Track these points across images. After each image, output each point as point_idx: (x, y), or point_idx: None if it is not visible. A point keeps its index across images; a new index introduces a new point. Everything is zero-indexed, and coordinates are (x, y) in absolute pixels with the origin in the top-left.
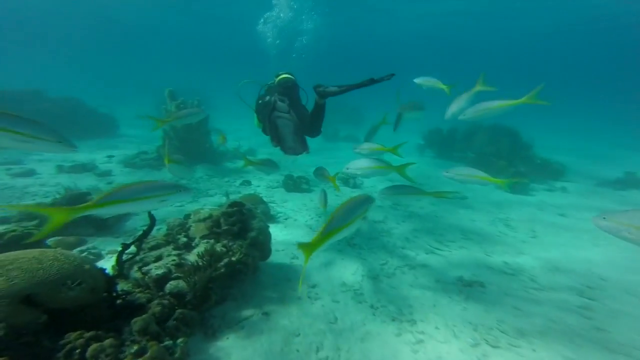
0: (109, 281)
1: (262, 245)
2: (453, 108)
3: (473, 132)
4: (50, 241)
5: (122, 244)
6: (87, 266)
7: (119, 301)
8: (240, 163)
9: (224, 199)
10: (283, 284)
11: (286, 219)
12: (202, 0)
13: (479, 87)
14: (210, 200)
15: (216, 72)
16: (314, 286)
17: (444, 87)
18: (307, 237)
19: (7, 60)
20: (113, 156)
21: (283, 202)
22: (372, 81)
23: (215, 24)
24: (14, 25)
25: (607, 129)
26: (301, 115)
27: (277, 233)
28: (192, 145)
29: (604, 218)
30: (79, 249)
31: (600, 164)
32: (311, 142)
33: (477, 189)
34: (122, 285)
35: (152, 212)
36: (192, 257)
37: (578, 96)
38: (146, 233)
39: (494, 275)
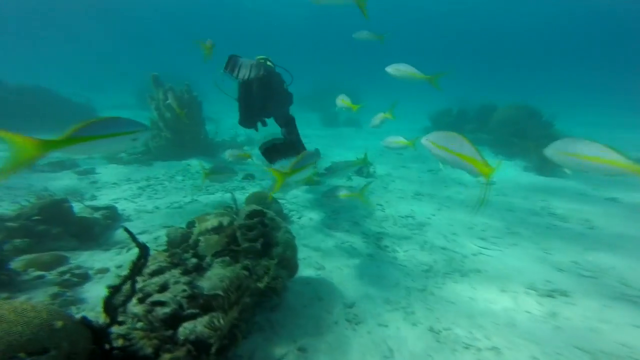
0: (98, 333)
1: (289, 261)
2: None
3: (488, 112)
4: (16, 262)
5: (108, 287)
6: (59, 323)
7: (115, 352)
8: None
9: (227, 196)
10: (315, 305)
11: (300, 217)
12: None
13: (386, 115)
14: (212, 199)
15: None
16: (351, 306)
17: (380, 37)
18: (327, 238)
19: None
20: None
21: (293, 198)
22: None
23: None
24: None
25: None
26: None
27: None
28: (185, 137)
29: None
30: (58, 270)
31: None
32: (314, 129)
33: (499, 173)
34: (117, 330)
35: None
36: (205, 283)
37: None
38: (138, 267)
39: (570, 280)
